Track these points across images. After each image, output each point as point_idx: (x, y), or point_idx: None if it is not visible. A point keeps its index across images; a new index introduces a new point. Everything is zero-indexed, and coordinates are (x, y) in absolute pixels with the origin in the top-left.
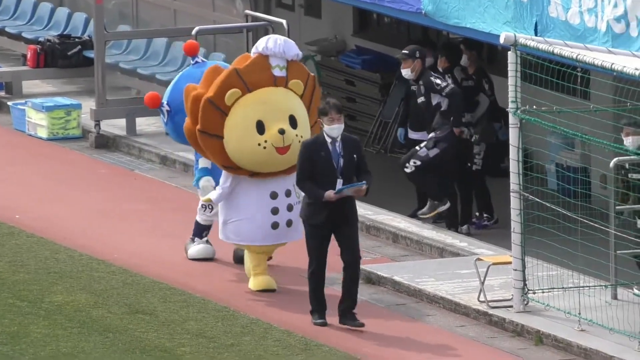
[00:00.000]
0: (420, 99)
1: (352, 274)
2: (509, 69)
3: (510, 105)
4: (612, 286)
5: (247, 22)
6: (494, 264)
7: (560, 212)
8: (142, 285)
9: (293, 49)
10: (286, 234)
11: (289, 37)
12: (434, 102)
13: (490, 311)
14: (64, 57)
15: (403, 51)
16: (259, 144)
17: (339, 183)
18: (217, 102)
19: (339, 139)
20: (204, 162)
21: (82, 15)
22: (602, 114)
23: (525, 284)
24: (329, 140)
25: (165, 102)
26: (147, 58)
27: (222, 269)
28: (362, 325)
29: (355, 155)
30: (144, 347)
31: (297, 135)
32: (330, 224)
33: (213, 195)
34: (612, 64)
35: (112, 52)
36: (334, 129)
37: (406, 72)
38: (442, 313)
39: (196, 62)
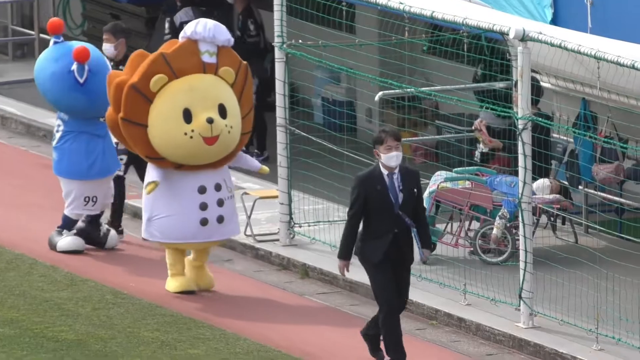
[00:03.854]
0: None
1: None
2: (274, 3)
3: (276, 39)
4: None
5: None
6: (261, 198)
7: (327, 145)
8: None
9: (224, 34)
10: (217, 231)
11: None
12: None
13: (257, 245)
14: None
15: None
16: (186, 133)
17: (404, 217)
18: (141, 88)
19: (396, 171)
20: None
21: None
22: (368, 48)
23: (291, 218)
24: (385, 172)
25: (88, 66)
26: None
27: None
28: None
29: (415, 190)
30: None
31: (226, 126)
32: (390, 263)
33: (156, 178)
34: None
35: None
36: (392, 158)
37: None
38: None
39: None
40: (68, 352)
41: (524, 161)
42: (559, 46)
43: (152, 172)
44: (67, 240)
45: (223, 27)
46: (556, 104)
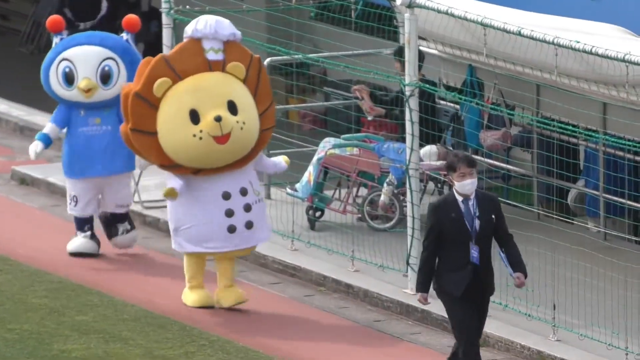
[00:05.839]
0: None
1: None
2: None
3: (164, 5)
4: (265, 186)
5: None
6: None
7: None
8: None
9: (227, 29)
10: (248, 238)
11: None
12: None
13: (145, 212)
14: None
15: None
16: (194, 135)
17: (474, 250)
18: (145, 95)
19: (472, 197)
20: (47, 129)
21: None
22: (255, 15)
23: None
24: (460, 198)
25: (60, 36)
26: None
27: None
28: None
29: (493, 216)
30: None
31: (237, 122)
32: (470, 298)
33: (176, 185)
34: None
35: None
36: (465, 185)
37: None
38: (96, 214)
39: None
40: None
41: (411, 128)
42: (446, 13)
43: (172, 181)
44: (77, 243)
45: (226, 22)
46: (443, 70)
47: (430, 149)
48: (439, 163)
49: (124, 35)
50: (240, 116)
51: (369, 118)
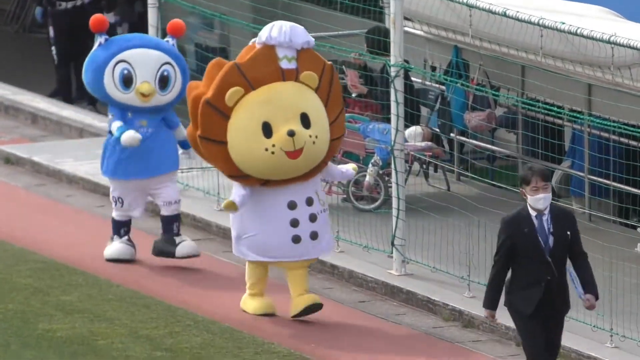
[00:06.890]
0: None
1: None
2: None
3: None
4: None
5: None
6: None
7: None
8: None
9: (301, 36)
10: (311, 249)
11: None
12: None
13: None
14: None
15: None
16: (266, 149)
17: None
18: (216, 103)
19: (546, 212)
20: (117, 124)
21: None
22: None
23: None
24: (533, 213)
25: (104, 36)
26: None
27: None
28: None
29: (569, 232)
30: None
31: (310, 136)
32: (541, 315)
33: (236, 198)
34: None
35: None
36: (538, 200)
37: None
38: (82, 193)
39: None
40: None
41: (396, 108)
42: None
43: (237, 190)
44: (113, 248)
45: (301, 29)
46: (429, 51)
47: (415, 129)
48: (423, 144)
49: (170, 40)
50: (312, 129)
51: (353, 95)
